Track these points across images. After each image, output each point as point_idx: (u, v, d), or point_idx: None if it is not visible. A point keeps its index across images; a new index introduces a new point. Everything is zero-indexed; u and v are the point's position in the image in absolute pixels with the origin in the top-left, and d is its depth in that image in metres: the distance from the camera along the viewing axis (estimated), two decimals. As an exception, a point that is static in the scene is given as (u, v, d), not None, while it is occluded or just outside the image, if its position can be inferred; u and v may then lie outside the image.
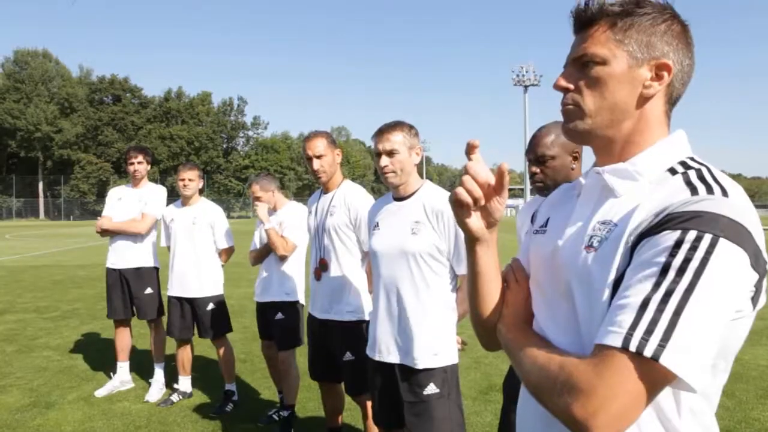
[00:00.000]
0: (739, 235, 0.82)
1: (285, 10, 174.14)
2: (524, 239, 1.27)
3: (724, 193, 0.87)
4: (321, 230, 3.17)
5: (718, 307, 0.81)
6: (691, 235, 0.82)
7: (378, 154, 2.47)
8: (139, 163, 4.83)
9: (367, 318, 2.99)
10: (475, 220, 1.08)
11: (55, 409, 4.32)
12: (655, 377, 0.81)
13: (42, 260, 16.19)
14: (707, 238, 0.81)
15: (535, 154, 2.20)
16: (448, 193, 2.50)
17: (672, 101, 1.03)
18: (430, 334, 2.37)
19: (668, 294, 0.80)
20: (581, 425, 0.83)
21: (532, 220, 1.26)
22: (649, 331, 0.80)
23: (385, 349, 2.46)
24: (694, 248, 0.81)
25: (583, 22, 1.04)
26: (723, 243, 0.81)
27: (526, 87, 68.03)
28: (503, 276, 1.19)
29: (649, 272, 0.83)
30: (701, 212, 0.83)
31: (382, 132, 2.47)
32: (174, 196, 4.63)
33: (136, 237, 4.77)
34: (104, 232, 4.77)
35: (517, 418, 1.19)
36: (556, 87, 1.05)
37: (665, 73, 0.99)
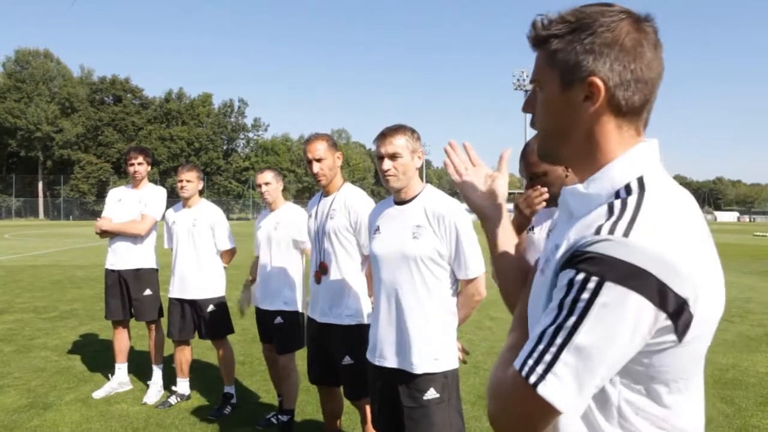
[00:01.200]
0: (629, 277, 0.83)
1: (286, 12, 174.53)
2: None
3: (628, 230, 0.86)
4: (321, 233, 3.16)
5: (600, 346, 0.85)
6: (580, 276, 0.86)
7: (380, 158, 2.46)
8: (139, 164, 4.83)
9: (366, 322, 2.98)
10: (478, 198, 1.33)
11: (53, 410, 4.31)
12: (533, 403, 0.88)
13: (41, 260, 16.17)
14: (593, 281, 0.84)
15: (527, 173, 2.30)
16: (450, 198, 2.51)
17: (624, 112, 0.97)
18: (430, 338, 2.36)
19: (558, 329, 0.87)
20: (492, 426, 0.97)
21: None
22: (537, 361, 0.88)
23: (385, 354, 2.45)
24: (581, 290, 0.85)
25: (532, 44, 1.04)
26: (608, 286, 0.83)
27: (526, 92, 67.88)
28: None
29: (551, 306, 0.90)
30: (594, 254, 0.85)
31: (384, 135, 2.47)
32: (174, 197, 4.62)
33: (135, 238, 4.77)
34: (104, 233, 4.76)
35: None
36: (522, 111, 1.10)
37: (595, 92, 0.96)
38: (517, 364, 0.91)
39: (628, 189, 0.95)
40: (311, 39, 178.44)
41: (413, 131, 2.51)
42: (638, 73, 0.96)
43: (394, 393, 2.41)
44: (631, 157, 0.98)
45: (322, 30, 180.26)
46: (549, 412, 0.88)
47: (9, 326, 7.33)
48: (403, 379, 2.38)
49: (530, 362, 0.88)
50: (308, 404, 4.38)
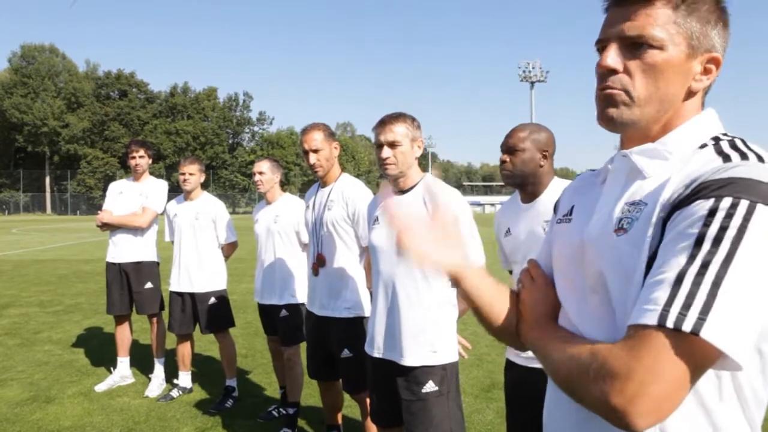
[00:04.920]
0: None
1: (291, 5, 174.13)
2: (547, 229, 1.23)
3: (760, 159, 0.82)
4: (319, 225, 3.11)
5: (761, 277, 0.75)
6: (726, 202, 0.76)
7: (379, 146, 2.41)
8: (140, 157, 4.80)
9: (365, 314, 2.94)
10: (446, 257, 1.05)
11: (55, 404, 4.30)
12: (696, 354, 0.75)
13: (47, 254, 16.25)
14: (744, 204, 0.76)
15: (507, 144, 2.33)
16: (450, 186, 2.46)
17: (708, 90, 0.99)
18: (429, 331, 2.31)
19: (705, 266, 0.75)
20: (620, 413, 0.77)
21: (555, 210, 1.21)
22: (687, 306, 0.74)
23: (384, 346, 2.41)
24: (729, 216, 0.76)
25: None
26: (761, 209, 0.76)
27: (532, 83, 67.93)
28: (520, 278, 1.16)
29: (684, 245, 0.78)
30: (735, 178, 0.78)
31: (384, 123, 2.42)
32: (179, 191, 4.59)
33: (136, 231, 4.74)
34: (105, 226, 4.74)
35: (544, 420, 1.13)
36: (602, 67, 0.94)
37: (714, 68, 0.93)
38: (648, 320, 0.76)
39: (716, 139, 0.91)
40: (316, 32, 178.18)
41: (413, 119, 2.46)
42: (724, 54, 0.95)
43: (392, 386, 2.37)
44: (707, 117, 0.96)
45: (327, 22, 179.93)
46: (709, 364, 0.76)
47: (14, 320, 7.35)
48: (401, 371, 2.34)
49: (675, 309, 0.74)
50: (310, 397, 4.36)
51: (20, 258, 15.25)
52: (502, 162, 2.34)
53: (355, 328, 2.95)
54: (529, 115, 65.72)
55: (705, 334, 0.73)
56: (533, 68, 67.94)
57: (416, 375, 2.30)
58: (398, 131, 2.38)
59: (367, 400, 2.89)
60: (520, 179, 2.31)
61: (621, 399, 0.77)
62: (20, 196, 63.07)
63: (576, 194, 1.14)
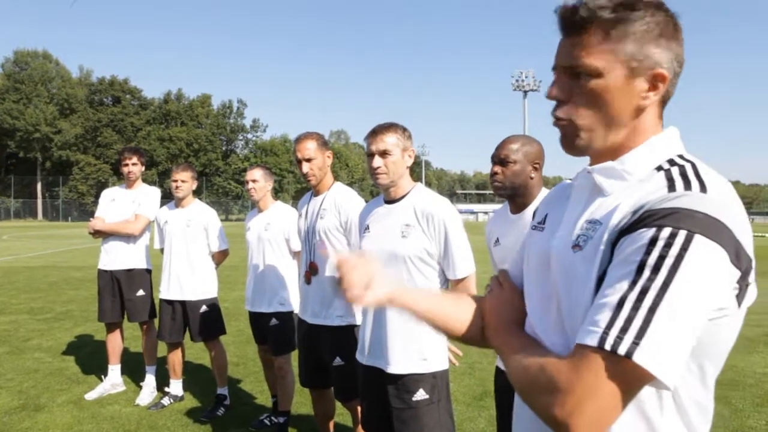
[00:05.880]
0: (715, 231, 0.82)
1: (285, 13, 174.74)
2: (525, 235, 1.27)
3: (703, 188, 0.86)
4: (311, 233, 3.12)
5: (695, 304, 0.81)
6: (666, 232, 0.82)
7: (370, 155, 2.44)
8: (133, 164, 4.80)
9: (357, 323, 2.95)
10: (371, 294, 1.13)
11: (45, 412, 4.27)
12: (630, 375, 0.81)
13: (38, 261, 16.13)
14: (682, 234, 0.81)
15: (499, 156, 2.37)
16: (440, 197, 2.49)
17: (664, 103, 1.01)
18: (419, 339, 2.33)
19: (643, 292, 0.81)
20: (561, 425, 0.84)
21: (533, 216, 1.27)
22: (624, 330, 0.80)
23: (374, 354, 2.42)
24: (668, 245, 0.81)
25: (572, 26, 0.98)
26: (698, 239, 0.81)
27: (525, 92, 68.41)
28: (488, 284, 1.22)
29: (626, 271, 0.83)
30: (677, 209, 0.83)
31: (375, 132, 2.44)
32: (172, 198, 4.59)
33: (128, 238, 4.73)
34: (97, 233, 4.73)
35: (513, 422, 1.19)
36: (549, 97, 1.03)
37: (660, 84, 0.96)
38: (590, 341, 0.82)
39: (672, 162, 0.95)
40: (311, 39, 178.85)
41: (404, 129, 2.49)
42: (679, 67, 0.98)
43: (383, 394, 2.38)
44: (667, 137, 1.00)
45: (321, 30, 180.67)
46: (643, 384, 0.82)
47: (4, 327, 7.29)
48: (392, 379, 2.35)
49: (614, 332, 0.80)
50: (302, 405, 4.35)
51: (10, 265, 15.13)
52: (494, 173, 2.38)
53: (347, 336, 2.96)
54: (522, 124, 66.12)
55: (637, 357, 0.79)
56: (526, 77, 68.44)
57: (406, 383, 2.32)
58: (389, 141, 2.41)
59: (359, 408, 2.90)
60: (511, 190, 2.35)
61: (561, 412, 0.84)
62: (11, 202, 62.60)
63: (551, 203, 1.19)
